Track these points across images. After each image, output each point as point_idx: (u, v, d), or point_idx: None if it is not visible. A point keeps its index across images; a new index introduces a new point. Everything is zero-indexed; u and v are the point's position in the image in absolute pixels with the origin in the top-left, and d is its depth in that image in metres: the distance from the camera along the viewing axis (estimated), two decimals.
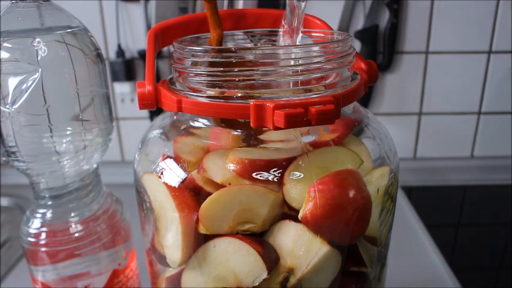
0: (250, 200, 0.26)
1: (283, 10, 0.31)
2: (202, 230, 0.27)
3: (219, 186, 0.27)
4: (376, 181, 0.29)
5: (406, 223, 0.63)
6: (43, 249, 0.34)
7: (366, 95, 0.73)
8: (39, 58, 0.30)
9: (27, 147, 0.32)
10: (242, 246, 0.26)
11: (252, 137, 0.28)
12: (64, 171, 0.34)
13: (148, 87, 0.28)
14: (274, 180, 0.26)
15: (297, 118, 0.23)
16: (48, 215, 0.35)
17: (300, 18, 0.29)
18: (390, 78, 0.73)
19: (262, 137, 0.28)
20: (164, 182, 0.28)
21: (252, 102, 0.24)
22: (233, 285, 0.27)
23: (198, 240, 0.27)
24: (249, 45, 0.35)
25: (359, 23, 0.70)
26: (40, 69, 0.30)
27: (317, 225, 0.26)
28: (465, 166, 0.77)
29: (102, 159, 0.37)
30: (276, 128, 0.24)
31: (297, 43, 0.30)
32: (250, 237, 0.27)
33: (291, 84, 0.27)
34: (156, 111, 0.66)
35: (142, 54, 0.70)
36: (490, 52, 0.71)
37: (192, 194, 0.27)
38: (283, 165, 0.26)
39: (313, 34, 0.34)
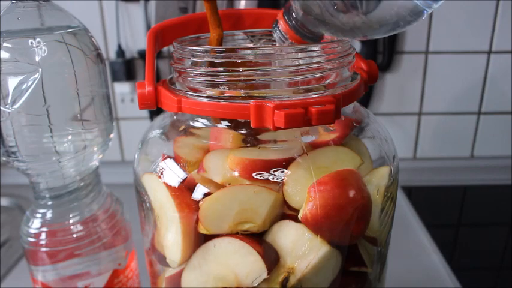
0: (250, 200, 0.26)
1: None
2: (202, 230, 0.27)
3: (219, 186, 0.27)
4: (376, 181, 0.29)
5: (406, 223, 0.63)
6: (43, 249, 0.34)
7: (366, 95, 0.73)
8: (39, 58, 0.30)
9: (27, 147, 0.32)
10: (242, 246, 0.26)
11: (252, 137, 0.28)
12: (64, 171, 0.34)
13: (148, 88, 0.28)
14: (274, 180, 0.26)
15: (297, 118, 0.23)
16: (48, 215, 0.35)
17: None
18: (390, 78, 0.73)
19: (262, 137, 0.28)
20: (164, 182, 0.28)
21: (252, 102, 0.24)
22: (233, 285, 0.27)
23: (198, 240, 0.27)
24: (249, 45, 0.35)
25: None
26: (40, 69, 0.30)
27: (317, 225, 0.26)
28: (465, 166, 0.77)
29: (102, 159, 0.37)
30: (276, 128, 0.24)
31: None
32: (250, 237, 0.27)
33: (291, 84, 0.27)
34: (156, 111, 0.66)
35: (142, 54, 0.70)
36: (490, 52, 0.71)
37: (192, 194, 0.27)
38: (283, 165, 0.26)
39: None
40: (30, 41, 0.30)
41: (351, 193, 0.26)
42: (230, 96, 0.26)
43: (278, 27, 0.28)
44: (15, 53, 0.30)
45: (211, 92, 0.26)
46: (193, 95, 0.27)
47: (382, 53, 0.70)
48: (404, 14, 0.22)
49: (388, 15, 0.22)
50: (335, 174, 0.26)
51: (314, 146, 0.28)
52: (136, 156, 0.32)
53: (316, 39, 0.28)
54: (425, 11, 0.21)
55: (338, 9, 0.23)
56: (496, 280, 0.53)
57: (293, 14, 0.27)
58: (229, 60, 0.25)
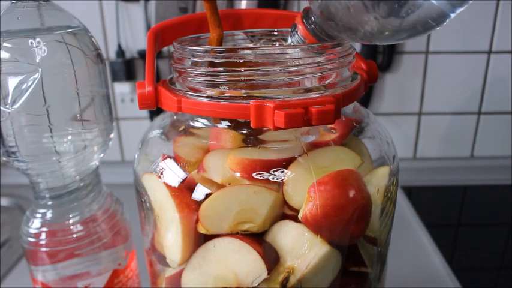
0: (250, 200, 0.26)
1: (283, 10, 0.32)
2: (202, 230, 0.27)
3: (219, 186, 0.27)
4: (376, 181, 0.29)
5: (406, 223, 0.63)
6: (43, 249, 0.34)
7: (366, 95, 0.73)
8: (39, 58, 0.30)
9: (27, 147, 0.32)
10: (242, 246, 0.26)
11: (252, 137, 0.28)
12: (64, 171, 0.34)
13: (148, 88, 0.28)
14: (274, 180, 0.26)
15: (297, 118, 0.23)
16: (48, 215, 0.35)
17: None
18: (390, 78, 0.73)
19: (262, 137, 0.28)
20: (164, 182, 0.28)
21: (252, 102, 0.24)
22: (233, 285, 0.27)
23: (198, 240, 0.27)
24: (249, 45, 0.35)
25: None
26: (40, 69, 0.30)
27: (317, 225, 0.26)
28: (465, 166, 0.77)
29: (102, 159, 0.37)
30: (276, 128, 0.24)
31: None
32: (250, 237, 0.27)
33: (291, 84, 0.27)
34: (156, 111, 0.66)
35: (142, 54, 0.70)
36: (490, 52, 0.71)
37: (192, 194, 0.27)
38: (283, 165, 0.26)
39: None
40: (30, 41, 0.30)
41: (351, 193, 0.26)
42: (230, 96, 0.26)
43: (297, 32, 0.28)
44: (15, 53, 0.30)
45: (211, 92, 0.26)
46: (193, 95, 0.27)
47: (382, 53, 0.70)
48: (429, 18, 0.21)
49: (415, 22, 0.22)
50: (335, 174, 0.26)
51: (314, 146, 0.28)
52: (136, 156, 0.32)
53: None
54: (448, 16, 0.21)
55: (369, 15, 0.22)
56: (496, 280, 0.53)
57: (312, 18, 0.27)
58: (229, 60, 0.25)
